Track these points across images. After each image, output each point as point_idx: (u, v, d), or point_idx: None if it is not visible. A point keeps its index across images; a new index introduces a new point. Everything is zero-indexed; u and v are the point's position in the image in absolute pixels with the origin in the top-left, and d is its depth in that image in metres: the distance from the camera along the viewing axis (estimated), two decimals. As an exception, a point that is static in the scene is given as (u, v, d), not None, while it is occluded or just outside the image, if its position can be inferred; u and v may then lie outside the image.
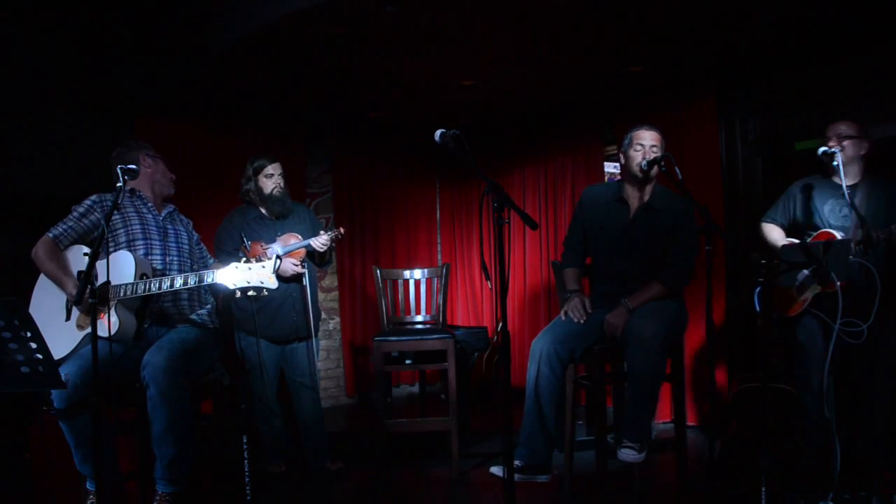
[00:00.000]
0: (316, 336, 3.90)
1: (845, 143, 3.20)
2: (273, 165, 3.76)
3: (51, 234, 2.83)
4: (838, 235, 3.13)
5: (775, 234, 3.41)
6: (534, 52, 3.96)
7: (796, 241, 3.28)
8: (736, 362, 4.30)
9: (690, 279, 3.26)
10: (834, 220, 3.21)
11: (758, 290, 3.27)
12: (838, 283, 3.00)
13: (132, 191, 3.01)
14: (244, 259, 2.68)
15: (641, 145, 3.20)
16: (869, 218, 3.07)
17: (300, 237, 3.72)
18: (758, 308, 3.24)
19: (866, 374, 3.11)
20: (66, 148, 4.36)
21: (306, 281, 3.72)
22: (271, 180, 3.74)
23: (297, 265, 3.66)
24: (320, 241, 3.67)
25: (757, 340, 3.42)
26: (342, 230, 3.76)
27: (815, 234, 3.23)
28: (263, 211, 3.79)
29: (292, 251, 3.67)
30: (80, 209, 2.90)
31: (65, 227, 2.86)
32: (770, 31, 3.67)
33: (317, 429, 3.84)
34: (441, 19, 3.41)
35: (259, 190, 3.75)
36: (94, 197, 2.93)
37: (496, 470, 3.01)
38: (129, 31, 4.21)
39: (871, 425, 3.11)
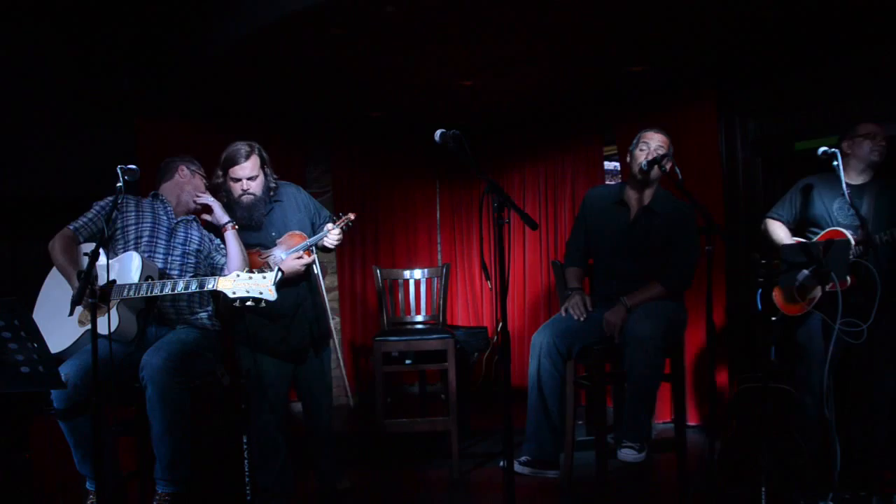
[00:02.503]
0: (328, 345, 3.43)
1: (870, 142, 3.16)
2: (240, 167, 3.09)
3: (71, 227, 2.86)
4: (848, 234, 3.08)
5: (780, 232, 3.35)
6: (534, 52, 3.95)
7: (802, 240, 3.24)
8: (736, 362, 4.30)
9: (692, 283, 3.25)
10: (843, 219, 3.17)
11: (759, 291, 3.27)
12: (838, 282, 2.99)
13: (155, 194, 3.08)
14: (247, 269, 2.67)
15: (647, 145, 3.21)
16: (879, 218, 3.05)
17: (305, 235, 3.19)
18: (759, 308, 3.21)
19: (866, 374, 3.10)
20: (67, 148, 4.36)
21: (317, 269, 3.34)
22: (239, 185, 3.11)
23: (301, 257, 3.13)
24: (333, 239, 3.20)
25: (755, 340, 3.41)
26: (352, 216, 3.26)
27: (821, 232, 3.21)
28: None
29: (298, 254, 3.15)
30: (101, 203, 2.95)
31: (85, 219, 2.89)
32: (770, 31, 3.67)
33: (331, 447, 3.45)
34: (441, 19, 3.40)
35: (228, 192, 3.16)
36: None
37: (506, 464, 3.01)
38: (130, 30, 4.21)
39: (872, 425, 3.11)
